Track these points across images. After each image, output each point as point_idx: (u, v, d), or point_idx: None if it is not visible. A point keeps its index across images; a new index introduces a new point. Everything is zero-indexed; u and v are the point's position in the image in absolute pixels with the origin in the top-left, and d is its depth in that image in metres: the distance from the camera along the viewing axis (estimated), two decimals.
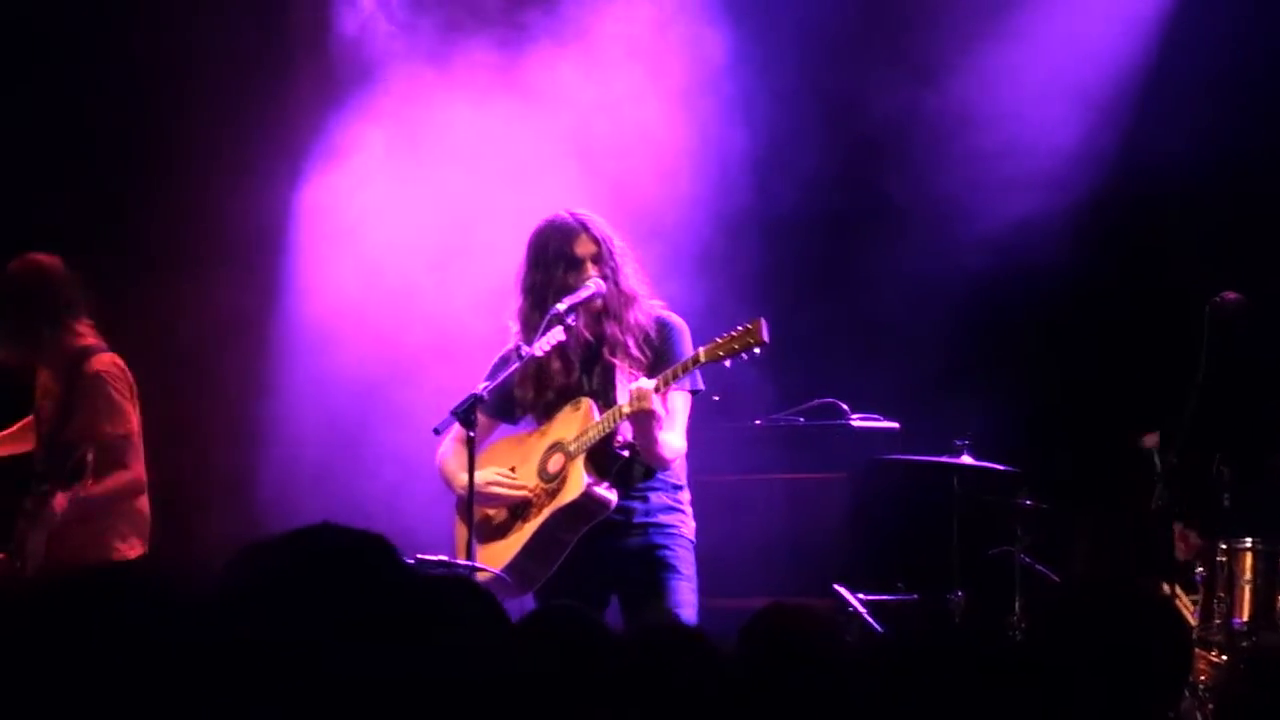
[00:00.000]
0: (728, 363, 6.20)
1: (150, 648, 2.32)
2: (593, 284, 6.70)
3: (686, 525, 6.53)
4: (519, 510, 6.54)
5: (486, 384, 6.68)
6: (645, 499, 6.48)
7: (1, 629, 2.33)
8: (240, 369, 8.95)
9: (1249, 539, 7.35)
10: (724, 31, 8.60)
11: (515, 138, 8.67)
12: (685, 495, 6.60)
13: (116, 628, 2.33)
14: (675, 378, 6.27)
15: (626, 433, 6.38)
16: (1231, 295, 7.34)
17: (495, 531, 6.60)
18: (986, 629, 7.14)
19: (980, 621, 8.00)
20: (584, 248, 6.41)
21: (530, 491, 6.51)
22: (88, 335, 7.03)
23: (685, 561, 6.46)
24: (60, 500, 6.60)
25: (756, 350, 6.13)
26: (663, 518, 6.48)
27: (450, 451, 6.67)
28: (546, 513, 6.43)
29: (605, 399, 6.45)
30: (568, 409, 6.48)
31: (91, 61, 8.82)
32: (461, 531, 6.67)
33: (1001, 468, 8.08)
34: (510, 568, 6.47)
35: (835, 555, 8.13)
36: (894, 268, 8.76)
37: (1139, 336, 8.70)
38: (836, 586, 7.80)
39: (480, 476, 6.45)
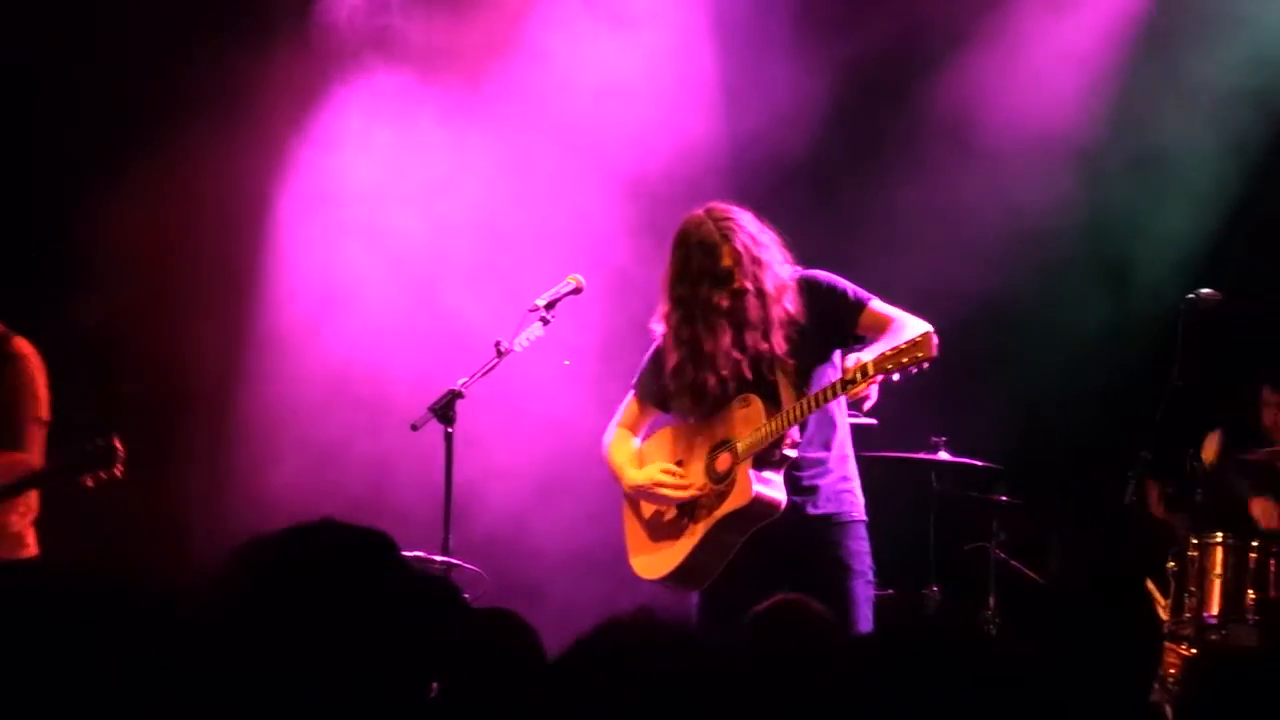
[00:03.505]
0: (896, 376, 6.04)
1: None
2: (573, 281, 6.81)
3: (857, 505, 6.43)
4: (687, 509, 6.49)
5: (465, 380, 6.74)
6: (815, 490, 6.38)
7: None
8: (215, 367, 8.93)
9: (1219, 534, 7.41)
10: None
11: (501, 111, 8.75)
12: (853, 466, 6.49)
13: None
14: (861, 377, 6.05)
15: (795, 433, 6.32)
16: (1208, 292, 7.39)
17: (665, 531, 6.54)
18: (967, 625, 7.18)
19: (959, 617, 8.04)
20: (727, 261, 6.30)
21: (699, 491, 6.46)
22: None
23: (858, 555, 6.36)
24: None
25: (925, 365, 5.98)
26: (832, 508, 6.38)
27: (614, 439, 6.68)
28: (716, 516, 6.36)
29: (771, 398, 6.35)
30: (736, 404, 6.36)
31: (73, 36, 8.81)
32: (631, 527, 6.66)
33: (979, 464, 8.12)
34: (681, 568, 6.43)
35: None
36: (872, 260, 8.77)
37: (1121, 333, 8.74)
38: None
39: (647, 475, 6.49)
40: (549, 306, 6.84)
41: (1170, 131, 8.56)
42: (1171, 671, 7.13)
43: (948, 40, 8.83)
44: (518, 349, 6.81)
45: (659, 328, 6.51)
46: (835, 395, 6.18)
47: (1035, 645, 4.15)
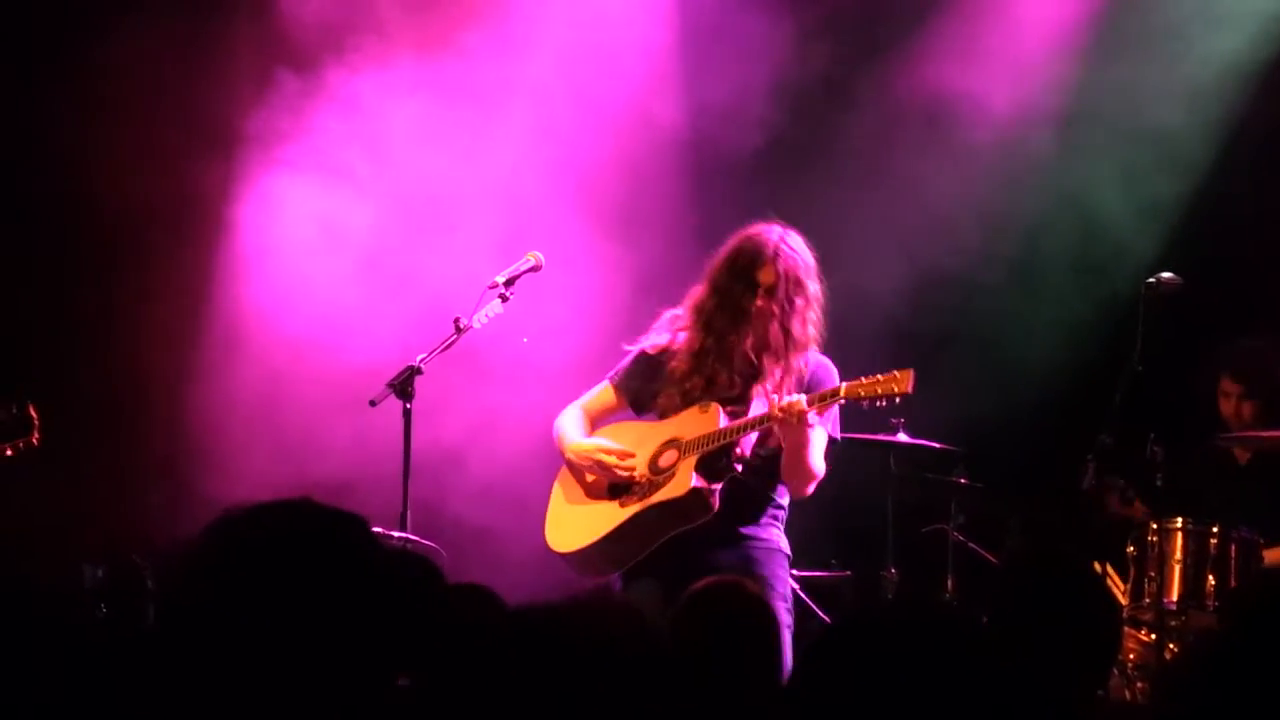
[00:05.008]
0: (865, 404, 6.16)
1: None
2: (533, 258, 6.78)
3: (786, 543, 6.51)
4: (618, 491, 6.49)
5: (424, 356, 6.71)
6: (749, 513, 6.42)
7: None
8: (176, 351, 8.84)
9: (1179, 519, 7.40)
10: None
11: (460, 82, 8.72)
12: (784, 511, 6.55)
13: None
14: (821, 401, 6.18)
15: (746, 447, 6.35)
16: (1169, 276, 7.39)
17: (591, 508, 6.53)
18: (929, 608, 7.17)
19: (921, 600, 8.03)
20: (765, 275, 6.36)
21: (636, 477, 6.46)
22: None
23: (780, 579, 6.42)
24: None
25: (898, 400, 6.09)
26: (762, 533, 6.43)
27: (571, 415, 6.68)
28: (646, 503, 6.37)
29: (737, 410, 6.39)
30: (695, 409, 6.40)
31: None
32: (557, 500, 6.64)
33: (937, 445, 8.11)
34: (593, 547, 6.44)
35: None
36: (833, 242, 8.74)
37: (1085, 317, 8.74)
38: None
39: (592, 443, 6.53)
40: (508, 284, 6.84)
41: (1148, 113, 8.54)
42: (1131, 657, 7.13)
43: (922, 11, 8.81)
44: (477, 325, 6.82)
45: (677, 311, 6.48)
46: (812, 407, 6.18)
47: (993, 630, 4.14)
